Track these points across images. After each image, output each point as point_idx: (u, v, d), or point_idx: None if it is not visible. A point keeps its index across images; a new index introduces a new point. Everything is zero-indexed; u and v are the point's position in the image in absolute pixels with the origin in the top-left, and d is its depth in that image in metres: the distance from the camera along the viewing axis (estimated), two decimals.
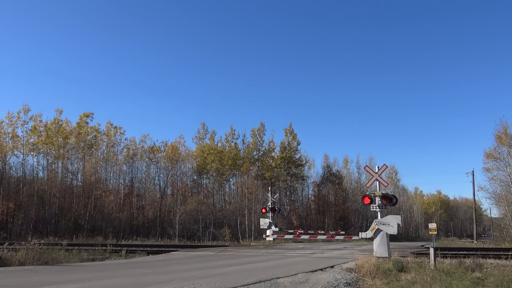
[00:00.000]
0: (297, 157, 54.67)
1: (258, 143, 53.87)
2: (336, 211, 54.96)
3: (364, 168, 31.22)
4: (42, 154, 45.38)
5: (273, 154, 54.17)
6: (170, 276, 10.06)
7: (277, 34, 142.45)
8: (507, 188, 36.39)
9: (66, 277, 9.90)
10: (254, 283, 8.74)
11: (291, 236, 28.14)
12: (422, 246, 27.97)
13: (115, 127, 49.77)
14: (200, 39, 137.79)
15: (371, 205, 16.37)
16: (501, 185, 37.54)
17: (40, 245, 13.40)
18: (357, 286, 9.16)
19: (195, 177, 53.54)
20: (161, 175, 51.74)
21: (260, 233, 37.61)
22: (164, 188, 49.48)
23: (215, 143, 54.13)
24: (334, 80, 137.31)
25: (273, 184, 44.50)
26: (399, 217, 15.62)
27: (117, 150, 50.43)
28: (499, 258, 15.73)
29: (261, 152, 54.10)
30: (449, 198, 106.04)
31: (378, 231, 15.66)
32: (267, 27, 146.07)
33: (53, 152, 44.71)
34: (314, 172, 63.38)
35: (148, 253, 19.20)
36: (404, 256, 14.79)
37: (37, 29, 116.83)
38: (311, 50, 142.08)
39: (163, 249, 21.15)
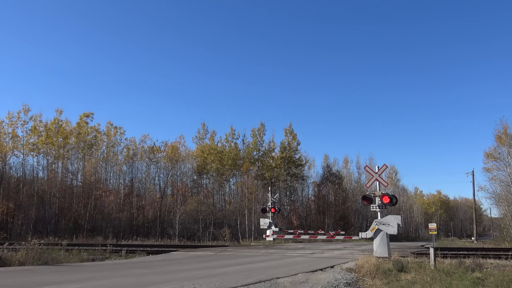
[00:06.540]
0: (297, 157, 54.69)
1: (258, 143, 53.92)
2: (336, 211, 54.97)
3: (364, 168, 31.23)
4: (42, 154, 45.40)
5: (273, 154, 54.20)
6: (170, 276, 10.06)
7: (277, 34, 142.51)
8: (507, 188, 36.38)
9: (66, 277, 9.90)
10: (254, 283, 8.74)
11: (291, 236, 28.12)
12: (422, 246, 27.98)
13: (115, 127, 49.85)
14: (200, 39, 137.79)
15: (371, 205, 16.39)
16: (501, 185, 37.54)
17: (40, 245, 13.40)
18: (357, 286, 9.16)
19: (195, 177, 53.54)
20: (161, 175, 51.81)
21: (260, 233, 37.60)
22: (164, 188, 49.48)
23: (215, 143, 54.16)
24: (334, 80, 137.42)
25: (273, 184, 44.49)
26: (399, 217, 15.64)
27: (117, 150, 50.51)
28: (499, 258, 15.74)
29: (261, 152, 54.12)
30: (449, 198, 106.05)
31: (378, 231, 15.67)
32: (267, 27, 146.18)
33: (53, 152, 44.71)
34: (314, 172, 63.56)
35: (148, 253, 19.20)
36: (404, 256, 14.80)
37: (37, 29, 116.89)
38: (311, 50, 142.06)
39: (163, 249, 21.16)
